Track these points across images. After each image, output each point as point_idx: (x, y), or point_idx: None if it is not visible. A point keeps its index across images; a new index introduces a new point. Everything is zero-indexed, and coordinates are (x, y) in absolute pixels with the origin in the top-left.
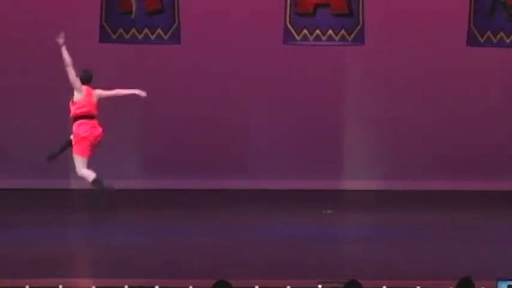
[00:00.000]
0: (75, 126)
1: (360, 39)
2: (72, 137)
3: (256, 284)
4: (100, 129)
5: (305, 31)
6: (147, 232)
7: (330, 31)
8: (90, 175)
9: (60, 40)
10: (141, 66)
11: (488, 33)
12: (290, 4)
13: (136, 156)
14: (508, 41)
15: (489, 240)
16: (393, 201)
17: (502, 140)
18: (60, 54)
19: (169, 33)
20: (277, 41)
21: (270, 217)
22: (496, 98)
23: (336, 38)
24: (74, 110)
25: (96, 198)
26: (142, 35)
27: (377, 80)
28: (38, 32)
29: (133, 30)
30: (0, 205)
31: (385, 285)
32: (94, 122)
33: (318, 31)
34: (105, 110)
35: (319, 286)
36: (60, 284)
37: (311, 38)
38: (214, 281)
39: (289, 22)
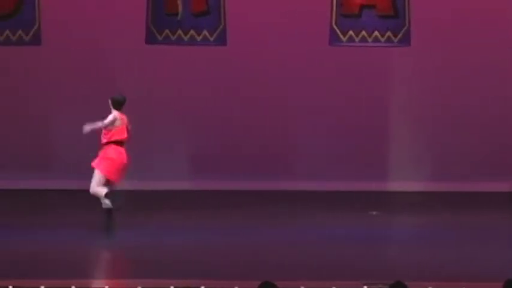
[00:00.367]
0: (108, 147)
1: (406, 40)
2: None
3: (302, 285)
4: (126, 159)
5: (351, 32)
6: (193, 233)
7: (376, 32)
8: (102, 191)
9: (87, 128)
10: (187, 67)
11: None
12: (336, 5)
13: (184, 157)
14: None
15: None
16: (440, 202)
17: None
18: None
19: (215, 35)
20: (323, 43)
21: (315, 218)
22: None
23: (382, 40)
24: (111, 135)
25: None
26: (188, 37)
27: (423, 80)
28: (86, 33)
29: (180, 31)
30: (37, 205)
31: (431, 287)
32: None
33: (363, 32)
34: (154, 112)
35: (364, 287)
36: (106, 285)
37: (357, 39)
38: (259, 282)
39: (335, 23)
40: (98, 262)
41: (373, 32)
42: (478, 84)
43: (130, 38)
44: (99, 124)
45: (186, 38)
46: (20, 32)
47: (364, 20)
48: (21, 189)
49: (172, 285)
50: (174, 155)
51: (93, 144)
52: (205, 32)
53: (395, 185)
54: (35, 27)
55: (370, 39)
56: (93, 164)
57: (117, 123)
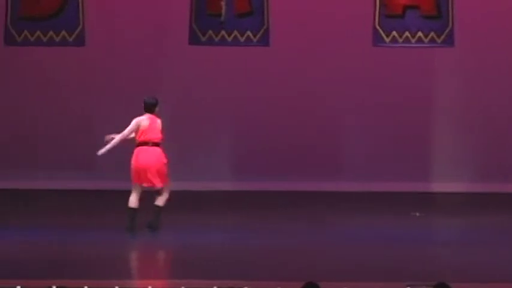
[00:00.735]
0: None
1: (449, 41)
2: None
3: (345, 286)
4: (155, 158)
5: (394, 33)
6: (236, 233)
7: (419, 33)
8: (130, 202)
9: (108, 138)
10: (229, 67)
11: None
12: (379, 6)
13: (225, 158)
14: None
15: None
16: (482, 203)
17: None
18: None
19: (258, 36)
20: (367, 43)
21: (358, 219)
22: None
23: (425, 40)
24: (137, 137)
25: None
26: (231, 38)
27: (466, 81)
28: (129, 34)
29: (223, 32)
30: (81, 206)
31: None
32: (157, 149)
33: (407, 33)
34: (197, 112)
35: None
36: (150, 285)
37: (400, 40)
38: (303, 283)
39: (378, 24)
40: (140, 262)
41: (416, 32)
42: None
43: (173, 38)
44: (119, 136)
45: (229, 39)
46: (63, 32)
47: (407, 20)
48: (65, 189)
49: (215, 285)
50: (215, 155)
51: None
52: (248, 33)
53: (438, 186)
54: (79, 28)
55: (413, 40)
56: None
57: (144, 123)
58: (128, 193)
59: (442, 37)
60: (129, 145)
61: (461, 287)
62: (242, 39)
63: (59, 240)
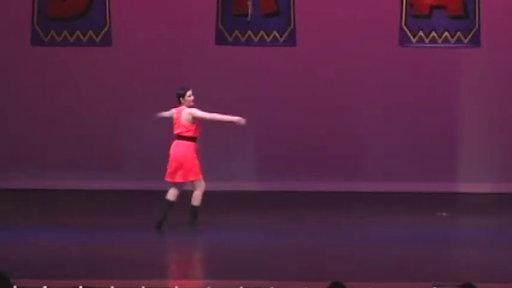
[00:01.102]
0: None
1: (476, 41)
2: None
3: (371, 286)
4: (179, 152)
5: (421, 33)
6: (261, 233)
7: (446, 33)
8: (168, 193)
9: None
10: (256, 67)
11: None
12: (406, 6)
13: (252, 158)
14: None
15: None
16: (509, 204)
17: None
18: None
19: (285, 36)
20: (393, 43)
21: (383, 220)
22: None
23: (452, 41)
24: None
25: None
26: (258, 38)
27: (493, 81)
28: (156, 34)
29: (250, 32)
30: (109, 206)
31: None
32: (183, 143)
33: (433, 33)
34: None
35: None
36: (176, 285)
37: (427, 40)
38: (329, 283)
39: (405, 24)
40: (165, 262)
41: (443, 32)
42: None
43: (200, 38)
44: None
45: (255, 39)
46: (90, 32)
47: (434, 20)
48: (91, 189)
49: (241, 285)
50: (242, 155)
51: (163, 144)
52: (275, 33)
53: (465, 187)
54: (106, 28)
55: (440, 40)
56: None
57: (173, 116)
58: (153, 193)
59: (469, 37)
60: (153, 146)
61: (486, 287)
62: (268, 40)
63: (84, 240)
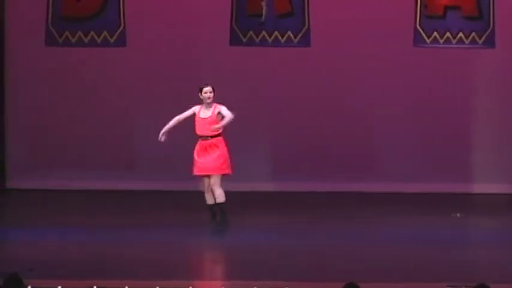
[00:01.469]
0: None
1: (490, 42)
2: None
3: (383, 287)
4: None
5: (435, 34)
6: (275, 234)
7: (460, 34)
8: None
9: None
10: (270, 68)
11: None
12: (420, 6)
13: (266, 158)
14: None
15: None
16: None
17: None
18: None
19: (299, 36)
20: (407, 44)
21: (396, 220)
22: None
23: (466, 41)
24: None
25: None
26: (272, 38)
27: (507, 82)
28: (171, 35)
29: (264, 33)
30: (121, 206)
31: None
32: (204, 142)
33: (448, 34)
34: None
35: None
36: (190, 286)
37: (441, 40)
38: (343, 284)
39: (419, 25)
40: (180, 262)
41: (457, 33)
42: None
43: (214, 39)
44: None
45: (270, 40)
46: (104, 33)
47: (448, 21)
48: (106, 190)
49: (256, 286)
50: (256, 155)
51: (177, 144)
52: (289, 33)
53: (479, 187)
54: (120, 28)
55: (454, 41)
56: None
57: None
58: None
59: (483, 38)
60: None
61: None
62: (283, 40)
63: (96, 240)
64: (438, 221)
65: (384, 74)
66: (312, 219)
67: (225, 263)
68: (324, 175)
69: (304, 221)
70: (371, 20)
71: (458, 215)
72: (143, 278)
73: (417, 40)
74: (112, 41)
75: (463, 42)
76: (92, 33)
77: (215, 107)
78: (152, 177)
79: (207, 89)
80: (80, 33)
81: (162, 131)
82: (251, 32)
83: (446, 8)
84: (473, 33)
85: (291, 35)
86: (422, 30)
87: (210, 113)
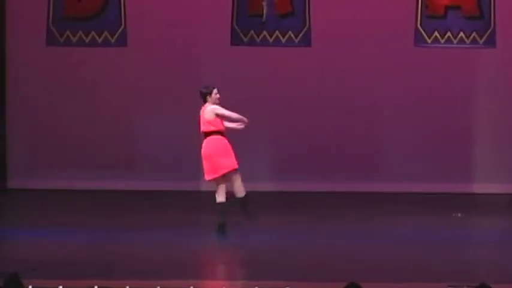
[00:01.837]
0: None
1: (491, 42)
2: None
3: (385, 287)
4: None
5: (436, 33)
6: (275, 234)
7: (461, 34)
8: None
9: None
10: (271, 68)
11: None
12: (421, 6)
13: (268, 158)
14: None
15: None
16: None
17: None
18: None
19: (300, 36)
20: (408, 44)
21: (397, 220)
22: None
23: (467, 41)
24: None
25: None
26: (273, 38)
27: (508, 82)
28: (171, 35)
29: (265, 33)
30: (134, 206)
31: None
32: (207, 139)
33: (449, 33)
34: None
35: None
36: (192, 285)
37: (442, 40)
38: (345, 284)
39: (420, 24)
40: (181, 262)
41: (458, 33)
42: None
43: (215, 39)
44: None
45: (271, 40)
46: (105, 33)
47: (449, 21)
48: (103, 189)
49: (256, 286)
50: (258, 155)
51: (176, 144)
52: (290, 33)
53: (479, 187)
54: (121, 28)
55: (455, 41)
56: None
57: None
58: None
59: (484, 38)
60: (169, 146)
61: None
62: (283, 40)
63: (99, 240)
64: (438, 221)
65: (384, 73)
66: (312, 219)
67: (225, 263)
68: (324, 175)
69: (304, 221)
70: (372, 20)
71: (459, 215)
72: (143, 278)
73: (418, 40)
74: (113, 41)
75: (464, 42)
76: (93, 33)
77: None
78: (152, 177)
79: (216, 90)
80: (80, 33)
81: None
82: (252, 32)
83: (447, 7)
84: (474, 33)
85: (292, 35)
86: (423, 30)
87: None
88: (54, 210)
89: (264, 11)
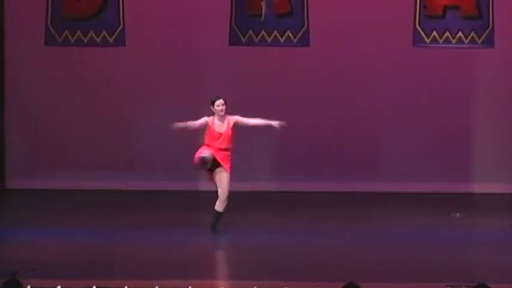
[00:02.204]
0: None
1: (489, 42)
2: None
3: (384, 287)
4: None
5: (434, 33)
6: (275, 234)
7: (460, 33)
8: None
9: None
10: (270, 68)
11: None
12: (419, 6)
13: (267, 158)
14: None
15: None
16: None
17: None
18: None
19: (298, 36)
20: (407, 44)
21: (397, 220)
22: None
23: (466, 41)
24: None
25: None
26: (271, 38)
27: (507, 82)
28: (170, 35)
29: (263, 33)
30: (134, 206)
31: None
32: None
33: (447, 33)
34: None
35: None
36: (190, 286)
37: (441, 40)
38: (343, 284)
39: (419, 24)
40: (180, 262)
41: (457, 33)
42: None
43: (214, 39)
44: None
45: (269, 40)
46: (104, 33)
47: (448, 21)
48: (104, 189)
49: (255, 286)
50: (256, 155)
51: (176, 144)
52: (288, 33)
53: (479, 187)
54: (119, 28)
55: (453, 41)
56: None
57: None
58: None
59: (483, 38)
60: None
61: (501, 287)
62: (282, 40)
63: (98, 240)
64: (438, 221)
65: (383, 73)
66: (312, 219)
67: (225, 262)
68: (324, 175)
69: (304, 221)
70: (370, 19)
71: (458, 214)
72: (143, 278)
73: (416, 40)
74: (111, 40)
75: (463, 42)
76: (91, 33)
77: (228, 120)
78: (152, 177)
79: (219, 101)
80: (79, 33)
81: (178, 124)
82: (250, 32)
83: (446, 7)
84: (472, 33)
85: (290, 35)
86: (422, 30)
87: (225, 127)
88: (54, 210)
89: (263, 11)
